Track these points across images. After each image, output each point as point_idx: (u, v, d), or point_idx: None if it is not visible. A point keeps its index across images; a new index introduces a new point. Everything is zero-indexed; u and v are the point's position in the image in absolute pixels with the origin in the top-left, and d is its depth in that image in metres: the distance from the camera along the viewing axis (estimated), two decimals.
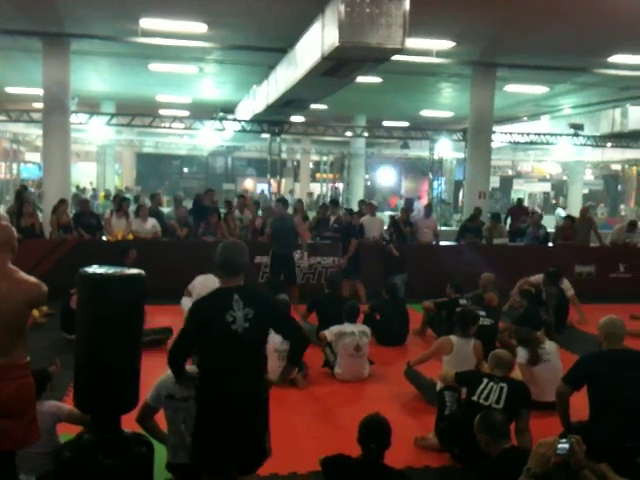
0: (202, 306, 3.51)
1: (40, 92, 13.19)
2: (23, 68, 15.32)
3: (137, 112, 18.18)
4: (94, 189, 28.43)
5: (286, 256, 9.61)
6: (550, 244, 12.42)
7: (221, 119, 18.81)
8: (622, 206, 32.61)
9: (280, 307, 3.83)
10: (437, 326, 7.93)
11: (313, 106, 16.46)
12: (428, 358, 6.10)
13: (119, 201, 11.28)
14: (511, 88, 16.51)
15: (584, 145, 20.94)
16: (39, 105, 14.67)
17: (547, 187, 36.55)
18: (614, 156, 27.60)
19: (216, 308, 3.41)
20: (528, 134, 20.12)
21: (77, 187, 25.87)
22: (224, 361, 3.38)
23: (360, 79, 12.51)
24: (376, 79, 15.49)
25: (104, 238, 10.70)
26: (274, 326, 3.62)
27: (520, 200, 16.42)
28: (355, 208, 19.98)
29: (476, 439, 3.99)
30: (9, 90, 19.07)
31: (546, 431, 3.93)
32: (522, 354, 5.83)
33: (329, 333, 6.67)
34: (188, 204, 13.58)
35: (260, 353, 3.54)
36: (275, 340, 5.42)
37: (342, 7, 7.96)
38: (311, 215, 13.86)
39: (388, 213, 20.14)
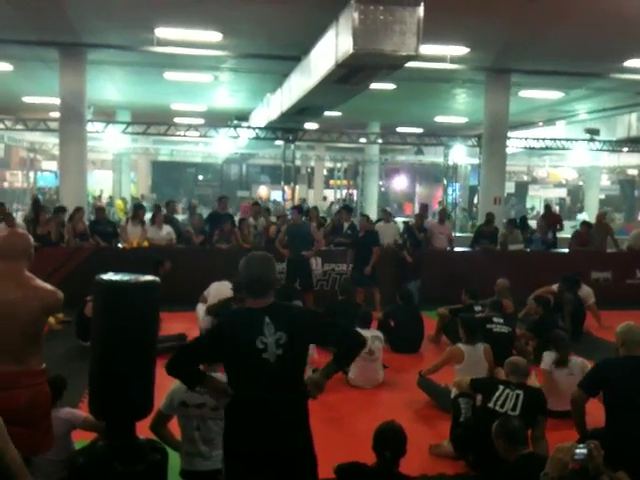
0: (229, 328, 3.02)
1: (57, 101, 13.33)
2: (40, 78, 15.49)
3: (152, 120, 18.32)
4: (111, 197, 28.66)
5: (302, 262, 9.61)
6: (566, 250, 12.34)
7: (235, 127, 18.90)
8: None
9: (321, 321, 3.28)
10: (452, 333, 7.87)
11: (327, 113, 16.48)
12: (439, 367, 6.09)
13: (135, 209, 11.36)
14: (526, 93, 16.43)
15: (600, 150, 20.80)
16: (56, 114, 14.83)
17: (563, 193, 36.30)
18: (630, 161, 27.39)
19: (246, 333, 2.92)
20: (543, 139, 20.02)
21: (93, 197, 26.12)
22: (256, 398, 2.91)
23: (374, 86, 12.52)
24: (390, 86, 15.49)
25: (120, 245, 10.78)
26: (317, 343, 3.22)
27: (548, 206, 16.08)
28: (371, 214, 19.95)
29: (491, 446, 3.96)
30: (26, 99, 19.28)
31: (563, 439, 3.89)
32: (547, 360, 5.76)
33: None
34: (202, 211, 13.64)
35: (299, 384, 3.00)
36: None
37: (356, 14, 7.98)
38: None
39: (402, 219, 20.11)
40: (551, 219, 13.54)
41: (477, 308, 7.71)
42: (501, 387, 4.63)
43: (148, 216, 11.78)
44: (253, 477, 2.91)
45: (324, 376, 3.10)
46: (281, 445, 2.90)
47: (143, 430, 3.87)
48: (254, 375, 2.91)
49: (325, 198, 33.95)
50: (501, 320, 6.99)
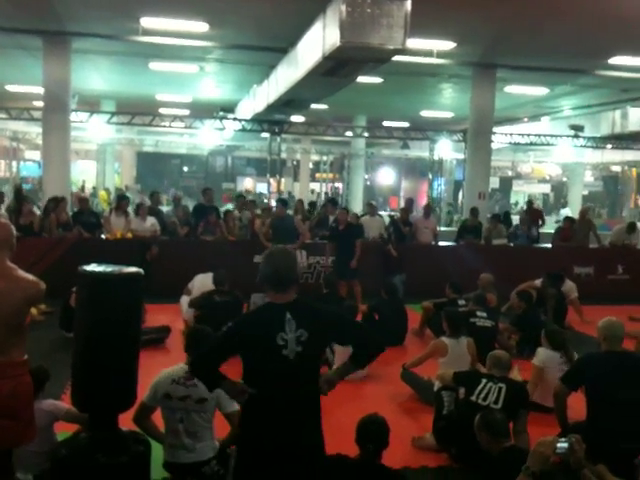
0: (249, 324, 3.00)
1: (40, 90, 13.19)
2: (23, 66, 15.31)
3: (137, 111, 18.17)
4: (94, 187, 28.45)
5: None
6: (549, 245, 12.45)
7: (221, 118, 18.81)
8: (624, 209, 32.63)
9: (343, 320, 3.22)
10: (436, 326, 7.91)
11: (313, 106, 16.46)
12: (423, 361, 6.13)
13: (118, 199, 11.27)
14: (511, 89, 16.51)
15: (584, 146, 20.97)
16: (39, 103, 14.67)
17: (547, 188, 36.58)
18: (614, 157, 27.62)
19: (266, 329, 2.89)
20: (528, 135, 20.12)
21: (77, 188, 25.89)
22: (274, 394, 2.88)
23: (361, 79, 12.51)
24: (377, 79, 15.49)
25: (103, 236, 10.70)
26: (337, 342, 3.23)
27: (530, 202, 16.09)
28: (357, 208, 19.98)
29: (474, 439, 3.99)
30: (9, 88, 19.06)
31: (547, 433, 3.93)
32: (541, 356, 5.71)
33: None
34: (186, 202, 13.55)
35: (315, 381, 2.98)
36: None
37: (343, 7, 7.96)
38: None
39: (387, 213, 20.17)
40: (533, 215, 13.62)
41: (461, 302, 7.76)
42: (484, 380, 4.66)
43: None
44: (265, 472, 2.89)
45: (338, 375, 3.12)
46: (296, 442, 2.89)
47: (126, 422, 3.85)
48: (273, 372, 2.88)
49: (313, 191, 34.01)
50: (484, 314, 7.04)
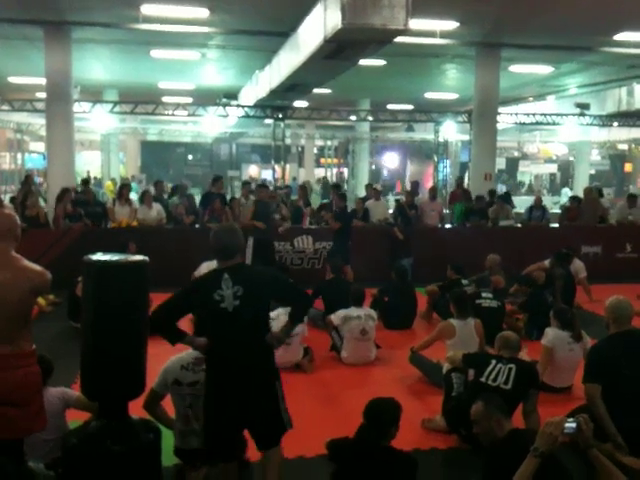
0: (194, 286, 3.83)
1: (43, 81, 13.16)
2: (25, 57, 15.26)
3: (140, 100, 18.11)
4: (95, 177, 28.40)
5: (266, 242, 9.52)
6: (556, 225, 12.40)
7: (224, 105, 18.72)
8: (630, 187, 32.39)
9: (276, 279, 3.80)
10: (442, 309, 7.90)
11: (317, 90, 16.35)
12: (430, 343, 6.13)
13: (119, 188, 11.29)
14: (516, 68, 16.35)
15: (590, 125, 20.77)
16: (42, 94, 14.64)
17: (553, 168, 36.33)
18: (620, 135, 27.37)
19: (206, 288, 3.52)
20: (534, 115, 19.95)
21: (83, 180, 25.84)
22: (219, 339, 3.50)
23: (363, 62, 12.41)
24: (379, 62, 15.36)
25: (109, 226, 10.71)
26: (274, 298, 3.74)
27: (460, 178, 15.71)
28: (361, 192, 19.93)
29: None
30: (12, 80, 19.02)
31: (554, 413, 3.92)
32: (550, 336, 5.67)
33: (335, 317, 6.69)
34: (190, 191, 13.48)
35: (258, 330, 3.54)
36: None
37: None
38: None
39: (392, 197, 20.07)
40: (459, 194, 13.01)
41: (464, 282, 7.74)
42: (493, 361, 4.65)
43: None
44: (225, 400, 3.45)
45: (284, 333, 3.73)
46: (243, 370, 3.44)
47: (136, 409, 3.87)
48: (215, 323, 3.50)
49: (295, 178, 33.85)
50: (490, 295, 7.03)
